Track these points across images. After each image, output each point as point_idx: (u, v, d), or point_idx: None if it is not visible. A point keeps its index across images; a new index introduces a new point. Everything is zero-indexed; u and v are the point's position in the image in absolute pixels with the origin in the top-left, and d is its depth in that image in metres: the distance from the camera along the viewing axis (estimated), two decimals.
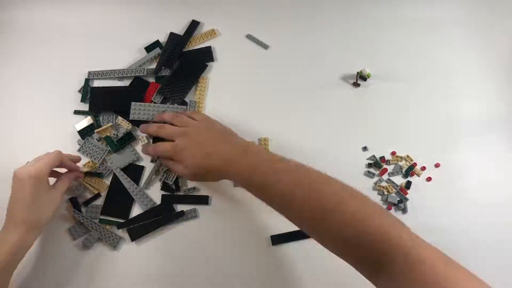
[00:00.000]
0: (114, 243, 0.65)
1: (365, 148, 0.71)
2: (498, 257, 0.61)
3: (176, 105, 0.73)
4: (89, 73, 0.76)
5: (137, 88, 0.75)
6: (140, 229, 0.66)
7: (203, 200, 0.68)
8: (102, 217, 0.67)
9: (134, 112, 0.71)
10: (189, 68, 0.76)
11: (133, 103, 0.72)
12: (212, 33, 0.79)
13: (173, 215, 0.67)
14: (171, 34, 0.79)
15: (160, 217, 0.67)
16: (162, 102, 0.73)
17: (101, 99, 0.73)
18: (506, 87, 0.75)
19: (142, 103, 0.72)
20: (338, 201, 0.49)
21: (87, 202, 0.68)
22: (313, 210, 0.50)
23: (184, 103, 0.74)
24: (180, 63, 0.76)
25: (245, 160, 0.57)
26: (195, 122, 0.64)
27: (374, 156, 0.71)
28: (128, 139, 0.71)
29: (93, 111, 0.73)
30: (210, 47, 0.78)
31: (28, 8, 0.81)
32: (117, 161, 0.70)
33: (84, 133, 0.71)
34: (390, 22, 0.80)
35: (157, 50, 0.77)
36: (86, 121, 0.72)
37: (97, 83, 0.76)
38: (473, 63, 0.77)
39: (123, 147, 0.71)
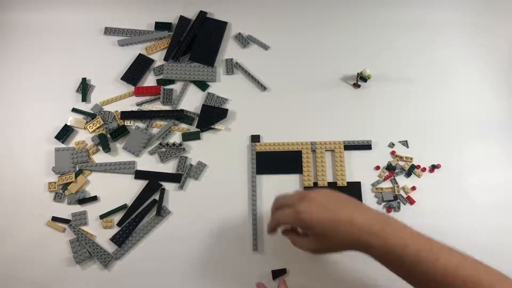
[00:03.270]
0: (105, 262, 0.63)
1: None
2: (498, 259, 0.60)
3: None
4: (106, 28, 0.80)
5: (140, 64, 0.78)
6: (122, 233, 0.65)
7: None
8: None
9: (168, 72, 0.76)
10: (209, 29, 0.80)
11: (165, 63, 0.77)
12: None
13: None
14: (181, 17, 0.81)
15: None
16: (189, 60, 0.78)
17: (206, 118, 0.73)
18: (506, 87, 0.74)
19: (174, 63, 0.77)
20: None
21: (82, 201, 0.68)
22: None
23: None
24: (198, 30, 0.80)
25: (392, 231, 0.48)
26: (316, 189, 0.57)
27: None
28: (121, 132, 0.71)
29: (201, 127, 0.73)
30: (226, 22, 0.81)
31: (25, 8, 0.83)
32: (133, 146, 0.70)
33: (63, 134, 0.71)
34: (390, 23, 0.80)
35: (165, 33, 0.80)
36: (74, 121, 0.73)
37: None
38: (472, 64, 0.77)
39: (117, 139, 0.71)
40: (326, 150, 0.70)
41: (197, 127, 0.72)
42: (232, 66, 0.77)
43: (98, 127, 0.72)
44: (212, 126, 0.72)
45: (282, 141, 0.71)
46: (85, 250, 0.64)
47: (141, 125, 0.73)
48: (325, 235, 0.51)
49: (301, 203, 0.52)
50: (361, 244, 0.49)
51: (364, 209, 0.52)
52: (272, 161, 0.69)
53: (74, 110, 0.74)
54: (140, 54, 0.78)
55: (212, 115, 0.73)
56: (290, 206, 0.53)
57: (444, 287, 0.46)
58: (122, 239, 0.64)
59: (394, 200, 0.67)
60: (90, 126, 0.72)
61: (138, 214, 0.67)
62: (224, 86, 0.76)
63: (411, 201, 0.67)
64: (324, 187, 0.62)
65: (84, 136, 0.72)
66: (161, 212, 0.66)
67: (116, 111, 0.74)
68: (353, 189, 0.67)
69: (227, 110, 0.73)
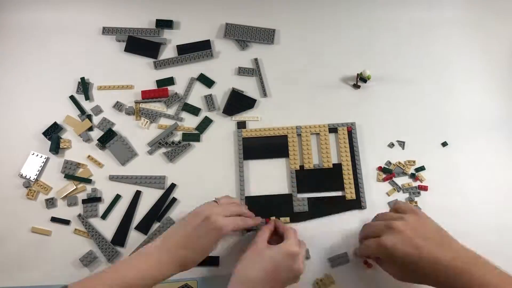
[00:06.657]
0: (109, 256, 0.64)
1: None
2: (498, 260, 0.61)
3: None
4: (104, 28, 0.79)
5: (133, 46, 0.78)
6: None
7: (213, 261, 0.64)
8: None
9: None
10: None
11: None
12: None
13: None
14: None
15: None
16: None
17: (234, 104, 0.74)
18: (506, 87, 0.75)
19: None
20: None
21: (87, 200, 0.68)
22: None
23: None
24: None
25: (478, 275, 0.49)
26: (405, 216, 0.55)
27: None
28: (109, 136, 0.71)
29: (228, 113, 0.73)
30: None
31: (23, 9, 0.82)
32: (118, 158, 0.70)
33: (51, 132, 0.71)
34: (390, 23, 0.81)
35: (162, 32, 0.80)
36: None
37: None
38: (472, 64, 0.77)
39: (106, 143, 0.71)
40: (311, 134, 0.71)
41: (223, 112, 0.73)
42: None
43: (86, 130, 0.72)
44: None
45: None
46: (90, 252, 0.64)
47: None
48: (410, 270, 0.52)
49: (387, 234, 0.53)
50: (445, 284, 0.50)
51: (450, 245, 0.52)
52: (259, 146, 0.71)
53: (71, 97, 0.74)
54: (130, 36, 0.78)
55: (241, 102, 0.73)
56: (376, 235, 0.54)
57: None
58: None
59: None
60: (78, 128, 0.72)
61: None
62: (225, 86, 0.76)
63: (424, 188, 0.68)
64: (412, 210, 0.57)
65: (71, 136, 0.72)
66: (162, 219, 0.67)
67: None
68: (338, 171, 0.69)
69: (255, 100, 0.73)
